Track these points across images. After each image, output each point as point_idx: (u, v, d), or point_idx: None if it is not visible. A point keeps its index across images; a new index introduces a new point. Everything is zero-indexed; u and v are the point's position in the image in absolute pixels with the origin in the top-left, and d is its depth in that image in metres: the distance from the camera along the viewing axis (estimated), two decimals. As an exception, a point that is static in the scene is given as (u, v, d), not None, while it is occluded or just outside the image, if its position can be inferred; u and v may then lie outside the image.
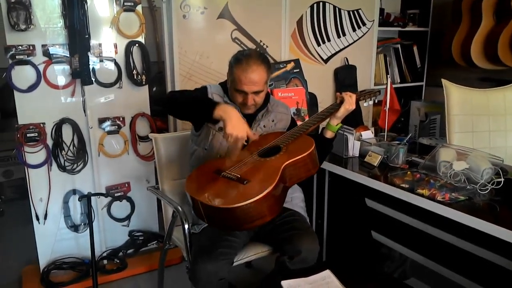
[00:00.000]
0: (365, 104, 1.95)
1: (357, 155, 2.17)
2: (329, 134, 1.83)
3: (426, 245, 1.82)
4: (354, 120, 3.09)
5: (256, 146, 1.70)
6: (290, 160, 1.55)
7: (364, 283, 1.52)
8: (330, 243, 2.24)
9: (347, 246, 2.18)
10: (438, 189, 1.64)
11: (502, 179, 1.65)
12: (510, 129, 2.49)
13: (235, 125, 1.52)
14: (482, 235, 1.43)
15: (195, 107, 1.63)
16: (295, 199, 1.92)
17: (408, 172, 1.84)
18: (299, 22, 2.92)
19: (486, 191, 1.64)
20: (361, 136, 2.24)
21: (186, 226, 1.80)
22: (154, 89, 3.18)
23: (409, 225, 1.83)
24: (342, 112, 1.78)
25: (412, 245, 1.89)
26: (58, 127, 2.32)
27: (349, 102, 1.78)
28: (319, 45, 3.05)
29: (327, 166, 2.12)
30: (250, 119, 1.81)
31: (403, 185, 1.73)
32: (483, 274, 1.69)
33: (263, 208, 1.43)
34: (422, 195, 1.63)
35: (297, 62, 2.92)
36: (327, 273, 1.58)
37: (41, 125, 2.28)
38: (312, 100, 3.02)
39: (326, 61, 3.12)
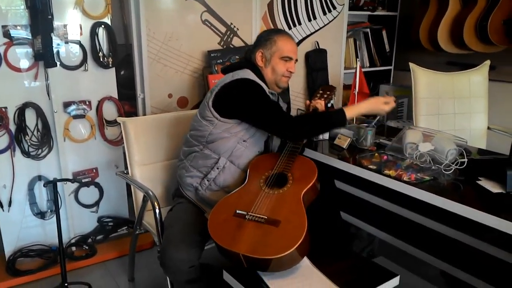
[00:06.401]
0: (328, 105, 2.01)
1: (327, 138, 2.19)
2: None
3: (393, 224, 1.86)
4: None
5: (258, 174, 1.70)
6: (305, 189, 1.57)
7: (333, 263, 1.54)
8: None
9: (317, 227, 2.21)
10: (404, 170, 1.67)
11: (466, 160, 1.70)
12: (474, 112, 2.57)
13: (378, 104, 1.79)
14: (447, 213, 1.48)
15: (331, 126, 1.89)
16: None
17: (376, 154, 1.87)
18: (270, 5, 2.90)
19: (451, 171, 1.69)
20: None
21: (157, 211, 1.78)
22: (122, 72, 3.11)
23: (377, 205, 1.87)
24: None
25: (380, 224, 1.94)
26: (21, 111, 2.24)
27: (322, 109, 1.94)
28: (290, 28, 3.04)
29: (297, 149, 2.14)
30: None
31: (371, 167, 1.76)
32: (447, 251, 1.75)
33: (304, 246, 1.42)
34: (389, 176, 1.66)
35: (267, 45, 2.90)
36: (297, 253, 1.60)
37: (3, 109, 2.19)
38: (283, 83, 3.02)
39: (297, 44, 3.10)
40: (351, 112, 1.74)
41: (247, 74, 1.79)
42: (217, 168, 1.76)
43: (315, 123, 1.74)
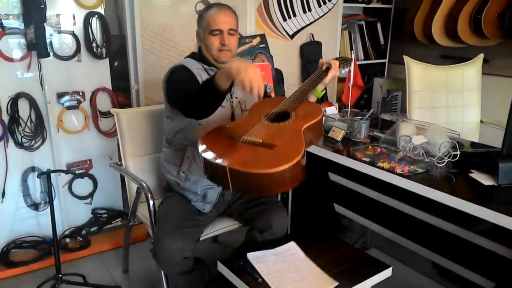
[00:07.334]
0: (343, 71, 1.93)
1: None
2: (313, 99, 1.81)
3: (386, 217, 1.88)
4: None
5: (259, 111, 1.60)
6: (308, 124, 1.47)
7: (326, 254, 1.56)
8: (295, 216, 2.28)
9: (311, 219, 2.23)
10: (397, 162, 1.68)
11: (458, 152, 1.71)
12: (467, 105, 2.58)
13: (248, 69, 1.35)
14: (439, 205, 1.49)
15: (208, 98, 1.51)
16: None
17: (370, 147, 1.88)
18: (265, -4, 2.89)
19: (443, 164, 1.70)
20: (325, 112, 2.27)
21: (151, 202, 1.78)
22: (116, 63, 3.09)
23: (370, 198, 1.89)
24: (329, 78, 1.77)
25: (373, 216, 1.95)
26: (14, 102, 2.22)
27: (336, 68, 1.77)
28: (285, 20, 3.03)
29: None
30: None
31: (365, 159, 1.77)
32: (439, 243, 1.77)
33: (297, 172, 1.31)
34: (382, 168, 1.67)
35: (263, 37, 2.90)
36: (291, 244, 1.62)
37: (-4, 100, 2.18)
38: (278, 76, 3.02)
39: (292, 36, 3.11)
40: (218, 75, 1.44)
41: (182, 61, 1.81)
42: (187, 158, 1.76)
43: (190, 90, 1.58)
